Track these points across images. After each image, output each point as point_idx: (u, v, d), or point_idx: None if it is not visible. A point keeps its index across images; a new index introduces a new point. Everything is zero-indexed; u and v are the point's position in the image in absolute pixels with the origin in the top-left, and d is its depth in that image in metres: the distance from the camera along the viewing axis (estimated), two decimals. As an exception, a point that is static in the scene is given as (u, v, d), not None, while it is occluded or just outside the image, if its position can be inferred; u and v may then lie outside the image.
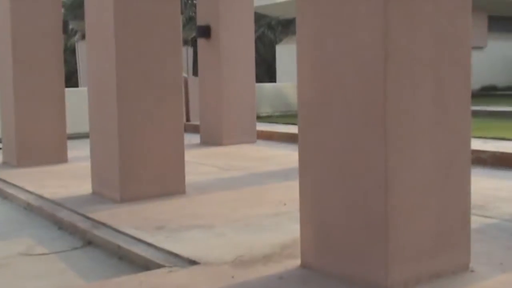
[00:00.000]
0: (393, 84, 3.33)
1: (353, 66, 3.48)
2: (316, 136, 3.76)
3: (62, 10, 10.52)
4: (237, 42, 10.80)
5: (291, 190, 6.33)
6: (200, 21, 11.16)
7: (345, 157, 3.57)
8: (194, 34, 17.30)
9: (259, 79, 11.86)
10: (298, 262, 3.93)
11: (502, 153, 7.99)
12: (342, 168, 3.59)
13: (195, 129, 11.97)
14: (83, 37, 20.31)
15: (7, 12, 8.75)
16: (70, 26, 19.78)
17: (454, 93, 3.65)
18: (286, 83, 18.11)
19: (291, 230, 4.67)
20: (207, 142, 10.88)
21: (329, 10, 3.62)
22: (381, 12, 3.29)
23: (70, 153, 9.10)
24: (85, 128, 11.03)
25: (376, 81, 3.34)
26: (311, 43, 3.78)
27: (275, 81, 22.27)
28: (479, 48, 21.76)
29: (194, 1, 23.60)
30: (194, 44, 17.56)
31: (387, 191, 3.31)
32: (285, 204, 5.67)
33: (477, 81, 19.46)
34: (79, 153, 9.30)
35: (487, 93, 21.03)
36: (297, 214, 4.97)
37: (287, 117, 14.76)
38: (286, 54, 21.89)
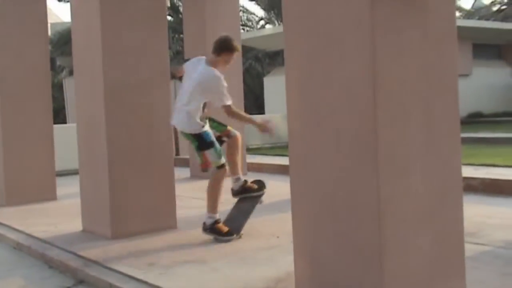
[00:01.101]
0: (384, 114, 3.33)
1: (343, 97, 3.49)
2: (307, 168, 3.75)
3: (49, 47, 10.53)
4: (225, 75, 10.80)
5: (284, 223, 6.31)
6: (188, 54, 11.19)
7: (337, 188, 3.56)
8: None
9: (247, 110, 11.87)
10: (293, 295, 3.89)
11: (492, 180, 8.01)
12: (334, 200, 3.58)
13: (184, 163, 11.92)
14: (70, 73, 20.38)
15: (-6, 49, 8.76)
16: (58, 63, 19.83)
17: (444, 120, 3.67)
18: (275, 114, 18.16)
19: (285, 263, 4.63)
20: (197, 175, 10.81)
21: (317, 42, 3.64)
22: (369, 42, 3.31)
23: (59, 190, 9.02)
24: (73, 164, 11.02)
25: (366, 111, 3.34)
26: (300, 75, 3.79)
27: (263, 113, 22.34)
28: (464, 75, 21.97)
29: (181, 35, 23.76)
30: (181, 78, 17.63)
31: (380, 221, 3.30)
32: (278, 237, 5.64)
33: (464, 108, 19.54)
34: (68, 190, 9.22)
35: (473, 120, 21.17)
36: (290, 247, 4.93)
37: (276, 149, 14.75)
38: (273, 86, 22.01)
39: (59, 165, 9.63)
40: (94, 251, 5.45)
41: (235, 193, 6.19)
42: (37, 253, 5.77)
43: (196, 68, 5.80)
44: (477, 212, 6.36)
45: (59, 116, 20.21)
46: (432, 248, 3.56)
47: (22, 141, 8.68)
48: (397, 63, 3.42)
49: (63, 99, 20.67)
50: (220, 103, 5.71)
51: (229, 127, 6.07)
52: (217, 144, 5.79)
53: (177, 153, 13.62)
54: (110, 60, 6.05)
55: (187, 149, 11.78)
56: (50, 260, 5.50)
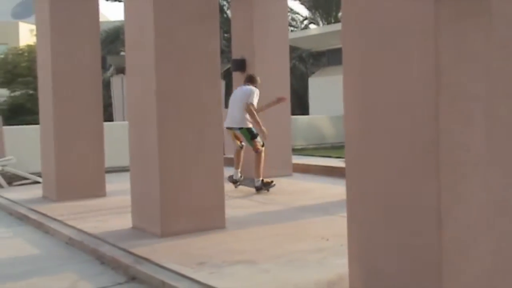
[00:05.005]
0: (446, 118, 3.28)
1: (403, 101, 3.45)
2: (364, 171, 3.72)
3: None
4: (272, 75, 10.82)
5: (332, 224, 6.31)
6: (235, 54, 11.24)
7: (395, 193, 3.52)
8: (226, 67, 17.44)
9: (291, 111, 11.98)
10: (346, 299, 3.86)
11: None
12: (392, 205, 3.53)
13: (230, 163, 11.93)
14: (117, 71, 20.58)
15: (47, 47, 8.92)
16: (108, 61, 20.07)
17: (506, 127, 3.59)
18: (320, 115, 18.11)
19: (335, 266, 4.61)
20: (243, 175, 10.82)
21: (377, 43, 3.61)
22: (432, 44, 3.26)
23: (107, 187, 9.15)
24: (120, 162, 11.16)
25: (427, 116, 3.30)
26: (358, 78, 3.76)
27: (306, 113, 22.28)
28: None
29: (226, 35, 23.84)
30: (225, 77, 17.68)
31: (441, 229, 3.24)
32: (327, 240, 5.60)
33: None
34: (116, 186, 9.38)
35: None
36: (340, 249, 4.93)
37: (321, 150, 14.72)
38: (318, 86, 21.92)
39: (106, 162, 9.75)
40: (145, 249, 5.50)
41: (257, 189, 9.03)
42: (89, 249, 5.85)
43: (241, 89, 9.10)
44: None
45: (104, 114, 20.41)
46: (492, 258, 3.48)
47: (73, 138, 8.84)
48: (460, 66, 3.36)
49: (109, 97, 20.89)
50: (248, 100, 8.66)
51: (257, 143, 8.92)
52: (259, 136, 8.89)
53: (223, 153, 13.64)
54: (162, 60, 6.09)
55: (232, 149, 11.81)
56: (102, 256, 5.57)
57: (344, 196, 3.93)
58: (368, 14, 3.66)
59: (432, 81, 3.27)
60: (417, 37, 3.35)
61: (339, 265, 4.51)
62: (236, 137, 9.20)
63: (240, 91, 9.02)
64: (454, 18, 3.32)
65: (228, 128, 9.15)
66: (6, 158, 11.16)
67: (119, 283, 4.88)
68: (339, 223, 6.02)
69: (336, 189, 8.47)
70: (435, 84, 3.26)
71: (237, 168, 9.35)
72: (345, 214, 3.92)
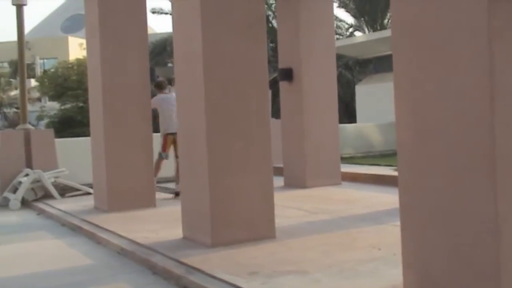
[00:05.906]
0: (501, 123, 3.21)
1: (456, 107, 3.38)
2: (417, 180, 3.66)
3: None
4: (319, 84, 10.79)
5: (384, 234, 6.22)
6: (282, 63, 11.24)
7: (450, 201, 3.45)
8: (272, 76, 17.47)
9: (339, 119, 11.99)
10: (401, 310, 3.79)
11: None
12: (447, 213, 3.46)
13: (278, 172, 11.89)
14: (164, 83, 20.81)
15: (97, 60, 9.09)
16: (156, 73, 20.32)
17: None
18: (368, 123, 17.96)
19: (389, 276, 4.54)
20: (290, 184, 10.82)
21: (428, 51, 3.55)
22: (486, 51, 3.19)
23: (157, 197, 9.25)
24: (170, 172, 11.25)
25: (482, 121, 3.23)
26: (410, 84, 3.71)
27: (353, 121, 22.11)
28: None
29: (271, 44, 23.88)
30: (271, 86, 17.71)
31: (499, 237, 3.16)
32: (379, 249, 5.52)
33: None
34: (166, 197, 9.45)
35: None
36: (393, 259, 4.85)
37: (370, 158, 14.58)
38: (365, 94, 21.73)
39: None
40: (196, 259, 5.51)
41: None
42: (141, 259, 5.90)
43: (172, 95, 9.52)
44: None
45: (152, 125, 20.61)
46: (552, 265, 3.37)
47: (123, 149, 8.96)
48: (515, 71, 3.29)
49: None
50: None
51: None
52: None
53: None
54: (210, 70, 6.12)
55: (279, 158, 11.81)
56: (153, 266, 5.60)
57: (395, 205, 3.88)
58: (420, 21, 3.60)
59: (487, 86, 3.20)
60: (470, 42, 3.29)
61: (393, 274, 4.45)
62: (174, 143, 9.74)
63: (173, 97, 9.21)
64: (509, 22, 3.24)
65: (171, 134, 9.87)
66: (59, 170, 11.39)
67: (171, 293, 4.91)
68: (391, 232, 5.95)
69: (387, 198, 8.36)
70: (489, 89, 3.19)
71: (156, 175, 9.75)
72: (396, 223, 3.87)
